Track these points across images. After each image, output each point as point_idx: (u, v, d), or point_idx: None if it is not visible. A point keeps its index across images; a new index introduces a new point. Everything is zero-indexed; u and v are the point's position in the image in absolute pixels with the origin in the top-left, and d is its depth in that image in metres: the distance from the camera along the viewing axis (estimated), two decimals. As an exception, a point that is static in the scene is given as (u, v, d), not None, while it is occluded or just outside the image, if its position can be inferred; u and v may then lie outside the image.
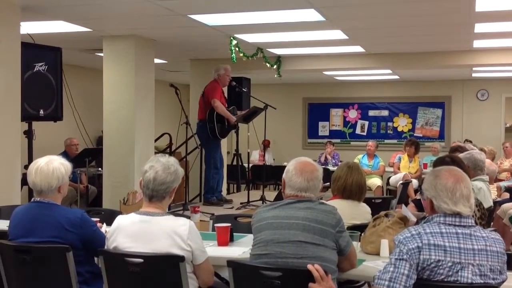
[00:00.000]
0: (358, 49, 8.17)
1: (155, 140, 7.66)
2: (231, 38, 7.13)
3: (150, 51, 7.43)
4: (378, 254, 3.27)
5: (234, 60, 7.34)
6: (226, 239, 3.48)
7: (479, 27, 6.50)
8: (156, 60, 8.29)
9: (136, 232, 2.81)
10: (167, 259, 2.73)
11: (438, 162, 4.16)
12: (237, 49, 7.27)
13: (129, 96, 7.06)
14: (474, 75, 10.82)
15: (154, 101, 7.50)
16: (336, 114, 12.85)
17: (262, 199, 7.07)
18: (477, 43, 7.61)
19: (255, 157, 10.45)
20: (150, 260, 2.73)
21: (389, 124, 12.44)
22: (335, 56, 8.88)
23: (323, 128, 12.93)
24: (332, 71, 10.26)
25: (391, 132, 12.40)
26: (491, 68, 9.60)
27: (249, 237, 2.93)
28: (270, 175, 9.20)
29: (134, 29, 6.81)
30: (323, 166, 9.21)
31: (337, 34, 6.94)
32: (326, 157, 10.62)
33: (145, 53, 7.28)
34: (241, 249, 3.33)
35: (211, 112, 7.01)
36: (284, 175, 2.96)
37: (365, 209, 4.05)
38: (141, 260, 2.74)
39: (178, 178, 2.89)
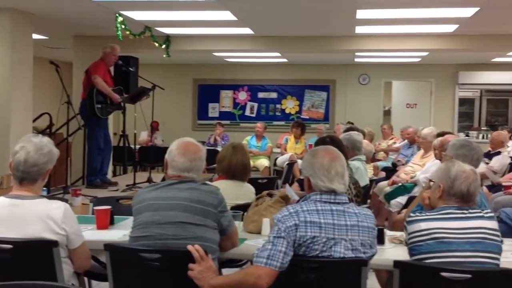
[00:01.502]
0: (247, 31, 8.22)
1: (34, 120, 7.25)
2: (117, 15, 6.88)
3: (28, 26, 7.00)
4: (260, 233, 3.33)
5: (120, 38, 7.10)
6: (106, 222, 3.37)
7: (361, 13, 6.77)
8: (36, 36, 7.83)
9: (6, 216, 2.64)
10: (39, 244, 2.59)
11: (319, 142, 4.31)
12: (123, 26, 7.04)
13: (4, 73, 6.64)
14: (356, 60, 11.30)
15: (33, 79, 7.09)
16: (226, 96, 12.90)
17: (149, 180, 6.95)
18: (359, 29, 7.93)
19: (143, 138, 10.25)
20: (20, 246, 2.58)
21: (278, 106, 12.70)
22: (225, 38, 8.88)
23: (213, 110, 12.94)
24: (222, 53, 10.26)
25: (279, 114, 12.67)
26: (372, 54, 10.07)
27: (131, 220, 2.86)
28: (157, 157, 9.03)
29: (11, 2, 6.37)
30: (213, 148, 9.25)
31: (226, 15, 6.93)
32: (215, 138, 10.65)
33: (22, 27, 6.84)
34: (121, 232, 3.24)
35: (91, 89, 6.75)
36: (166, 156, 2.91)
37: (249, 189, 4.10)
38: (10, 246, 2.58)
39: (52, 160, 2.74)
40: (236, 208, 3.67)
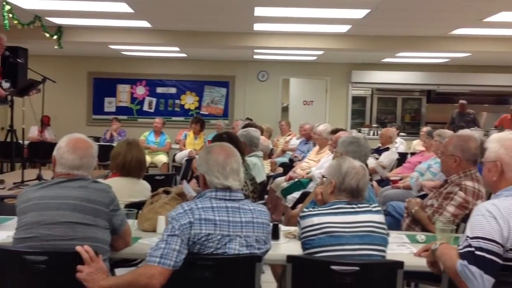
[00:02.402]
0: (144, 24, 8.04)
1: None
2: (4, 3, 6.46)
3: None
4: (155, 231, 3.27)
5: (7, 27, 6.67)
6: (-13, 223, 3.16)
7: (259, 11, 6.84)
8: None
9: None
10: None
11: (216, 138, 4.29)
12: (10, 15, 6.63)
13: None
14: (255, 56, 11.43)
15: None
16: (123, 90, 12.56)
17: (39, 178, 6.59)
18: (257, 26, 8.02)
19: (33, 133, 9.72)
20: None
21: (177, 101, 12.56)
22: (121, 30, 8.63)
23: (110, 104, 12.55)
24: (118, 46, 9.97)
25: (179, 110, 12.54)
26: (270, 51, 10.23)
27: (15, 220, 2.69)
28: (48, 153, 8.57)
29: None
30: (109, 144, 8.97)
31: (122, 7, 6.73)
32: (112, 134, 10.33)
33: None
34: (5, 233, 3.05)
35: (-30, 81, 6.29)
36: (55, 152, 2.78)
37: (145, 186, 4.01)
38: None
39: None
40: (131, 206, 3.58)
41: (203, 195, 2.59)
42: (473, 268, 2.17)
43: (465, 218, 3.23)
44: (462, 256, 2.23)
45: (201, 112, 12.29)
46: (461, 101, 12.22)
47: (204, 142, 9.67)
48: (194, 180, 6.53)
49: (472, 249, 2.21)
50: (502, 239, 2.21)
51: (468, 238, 2.26)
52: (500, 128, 11.77)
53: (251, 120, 9.63)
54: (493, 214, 2.26)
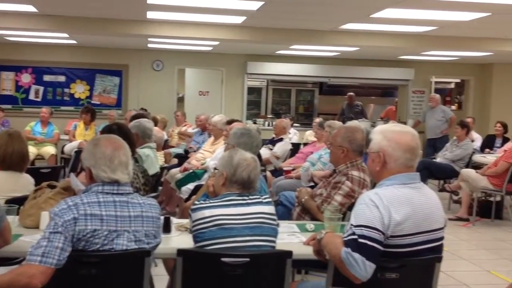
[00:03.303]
0: (30, 8, 7.58)
1: None
2: None
3: None
4: (38, 227, 3.10)
5: None
6: None
7: (152, -2, 6.69)
8: None
9: None
10: None
11: (106, 130, 4.15)
12: None
13: None
14: (149, 45, 11.18)
15: None
16: (7, 78, 11.79)
17: None
18: (151, 14, 7.84)
19: None
20: None
21: (66, 90, 11.98)
22: (5, 14, 8.08)
23: (-8, 93, 11.77)
24: (1, 30, 9.33)
25: (68, 99, 11.98)
26: (165, 40, 10.05)
27: None
28: None
29: None
30: (-10, 134, 8.40)
31: (4, -11, 6.31)
32: (-6, 124, 9.69)
33: None
34: None
35: None
36: None
37: (28, 180, 3.79)
38: None
39: None
40: (12, 201, 3.37)
41: (89, 189, 2.49)
42: (356, 255, 2.26)
43: (352, 207, 3.35)
44: (346, 243, 2.31)
45: (92, 102, 11.84)
46: (349, 93, 12.75)
47: (95, 133, 9.32)
48: (83, 173, 6.29)
49: (356, 236, 2.29)
50: (383, 226, 2.31)
51: (352, 226, 2.34)
52: (386, 119, 12.44)
53: (145, 110, 9.42)
54: (375, 203, 2.36)
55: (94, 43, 11.30)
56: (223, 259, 2.52)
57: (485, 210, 7.37)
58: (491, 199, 7.52)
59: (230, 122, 6.55)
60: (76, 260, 2.34)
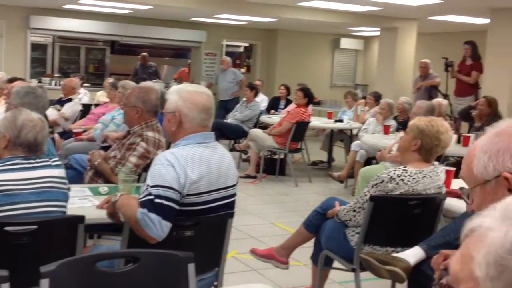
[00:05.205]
0: None
1: None
2: None
3: None
4: None
5: None
6: None
7: None
8: None
9: None
10: None
11: None
12: None
13: None
14: None
15: None
16: None
17: None
18: None
19: None
20: None
21: None
22: None
23: None
24: None
25: None
26: None
27: None
28: None
29: None
30: None
31: None
32: None
33: None
34: None
35: None
36: None
37: None
38: None
39: None
40: None
41: None
42: (152, 215, 2.25)
43: (147, 168, 3.32)
44: (142, 204, 2.28)
45: None
46: (143, 53, 12.54)
47: None
48: None
49: (152, 197, 2.27)
50: (179, 186, 2.33)
51: (148, 187, 2.32)
52: (179, 80, 12.56)
53: None
54: (171, 163, 2.36)
55: None
56: (7, 228, 2.30)
57: (271, 167, 7.93)
58: (276, 157, 8.11)
59: (11, 80, 5.99)
60: None
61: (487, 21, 8.69)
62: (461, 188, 1.46)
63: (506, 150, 1.31)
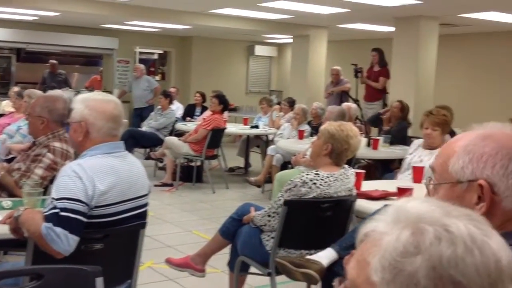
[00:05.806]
0: None
1: None
2: None
3: None
4: None
5: None
6: None
7: None
8: None
9: None
10: None
11: None
12: None
13: None
14: None
15: None
16: None
17: None
18: None
19: None
20: None
21: None
22: None
23: None
24: None
25: None
26: None
27: None
28: None
29: None
30: None
31: None
32: None
33: None
34: None
35: None
36: None
37: None
38: None
39: None
40: None
41: None
42: (58, 229, 2.15)
43: (53, 180, 3.18)
44: (47, 218, 2.18)
45: None
46: (51, 61, 12.08)
47: None
48: None
49: (57, 210, 2.18)
50: (87, 198, 2.25)
51: (53, 200, 2.22)
52: (90, 88, 12.20)
53: None
54: (78, 174, 2.27)
55: None
56: None
57: (187, 174, 7.87)
58: (193, 164, 8.05)
59: None
60: None
61: (392, 29, 9.08)
62: (430, 179, 1.35)
63: (489, 158, 1.23)
